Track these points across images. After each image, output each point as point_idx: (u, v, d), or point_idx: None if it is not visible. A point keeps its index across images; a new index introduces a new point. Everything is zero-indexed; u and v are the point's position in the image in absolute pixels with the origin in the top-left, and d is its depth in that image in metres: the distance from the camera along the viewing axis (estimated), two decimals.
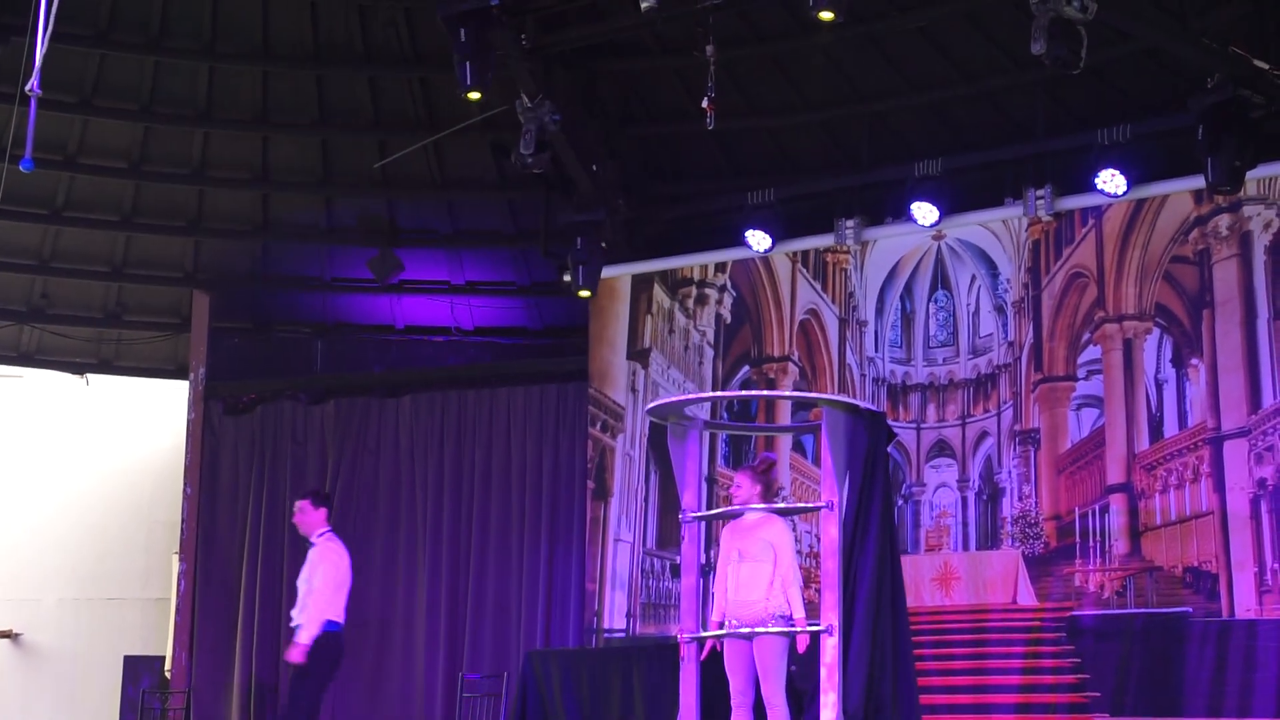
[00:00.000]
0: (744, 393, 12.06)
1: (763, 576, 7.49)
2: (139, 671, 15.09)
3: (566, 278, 12.29)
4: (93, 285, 14.44)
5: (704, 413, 8.25)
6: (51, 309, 14.55)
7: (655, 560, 12.03)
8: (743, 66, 11.95)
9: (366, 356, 14.47)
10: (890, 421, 8.77)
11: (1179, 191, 10.43)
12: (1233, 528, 9.86)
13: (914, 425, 11.33)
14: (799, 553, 7.82)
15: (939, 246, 11.45)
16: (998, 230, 11.20)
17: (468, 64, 10.31)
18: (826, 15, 9.26)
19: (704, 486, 7.97)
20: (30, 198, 13.31)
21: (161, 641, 14.98)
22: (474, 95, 10.45)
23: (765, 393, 11.96)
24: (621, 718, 9.85)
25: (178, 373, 14.82)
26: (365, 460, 13.75)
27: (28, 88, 5.96)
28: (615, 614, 12.06)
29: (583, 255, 11.95)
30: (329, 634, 8.72)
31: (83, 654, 15.70)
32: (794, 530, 8.13)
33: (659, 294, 12.46)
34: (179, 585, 14.02)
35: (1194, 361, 10.26)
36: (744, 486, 7.77)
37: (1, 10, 11.22)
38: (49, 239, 13.95)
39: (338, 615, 8.79)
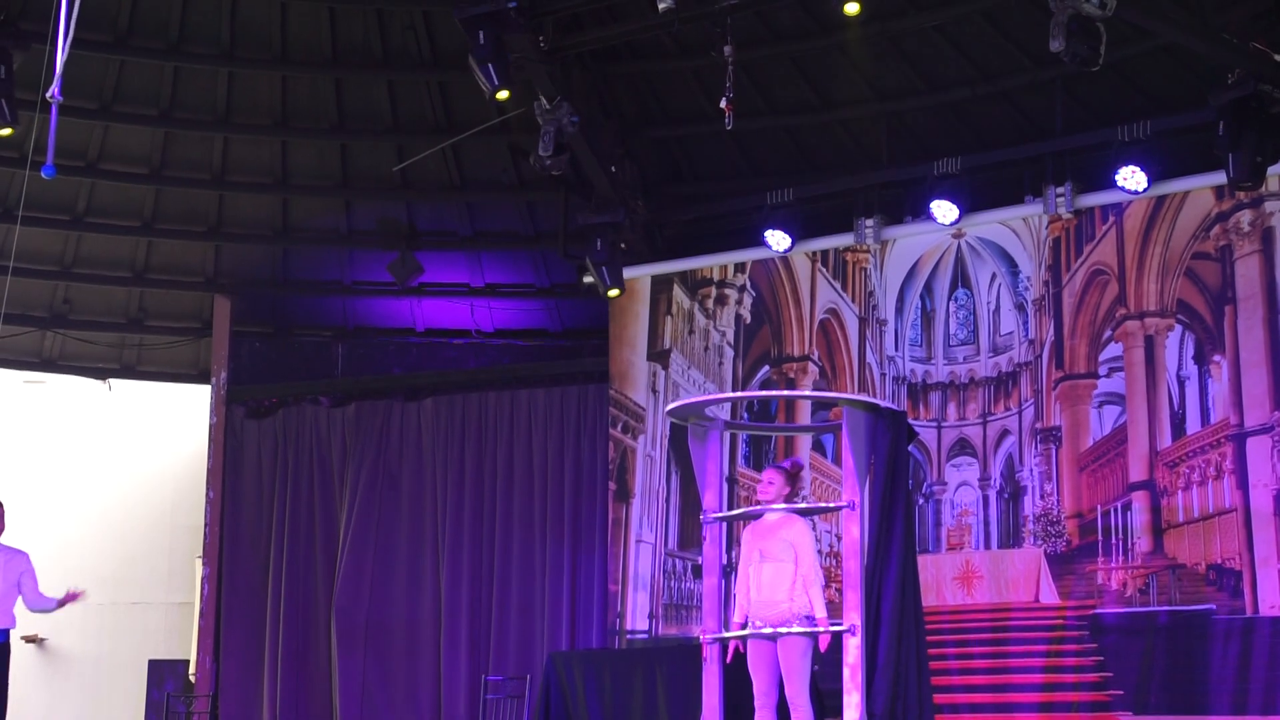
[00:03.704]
0: (764, 393, 12.05)
1: (785, 577, 7.49)
2: (163, 675, 15.15)
3: (587, 279, 12.31)
4: (114, 290, 14.50)
5: (724, 413, 8.26)
6: (74, 315, 14.62)
7: (677, 561, 12.04)
8: (761, 66, 11.95)
9: (387, 359, 14.51)
10: (911, 420, 8.76)
11: (1200, 188, 10.39)
12: (1256, 525, 9.82)
13: (935, 424, 11.31)
14: (819, 552, 7.80)
15: (959, 245, 11.43)
16: (1018, 228, 11.17)
17: (489, 65, 10.35)
18: (852, 9, 9.25)
19: (725, 487, 7.99)
20: (52, 204, 13.39)
21: (185, 645, 15.04)
22: (503, 94, 10.48)
23: (785, 393, 11.95)
24: (645, 719, 9.85)
25: (199, 377, 14.88)
26: (387, 463, 13.78)
27: (49, 94, 5.98)
28: (638, 615, 12.06)
29: (602, 256, 11.97)
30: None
31: (107, 658, 15.76)
32: (814, 530, 8.13)
33: (679, 295, 12.46)
34: (202, 589, 14.07)
35: (1216, 358, 10.22)
36: (775, 484, 7.76)
37: (21, 17, 11.27)
38: (70, 245, 14.01)
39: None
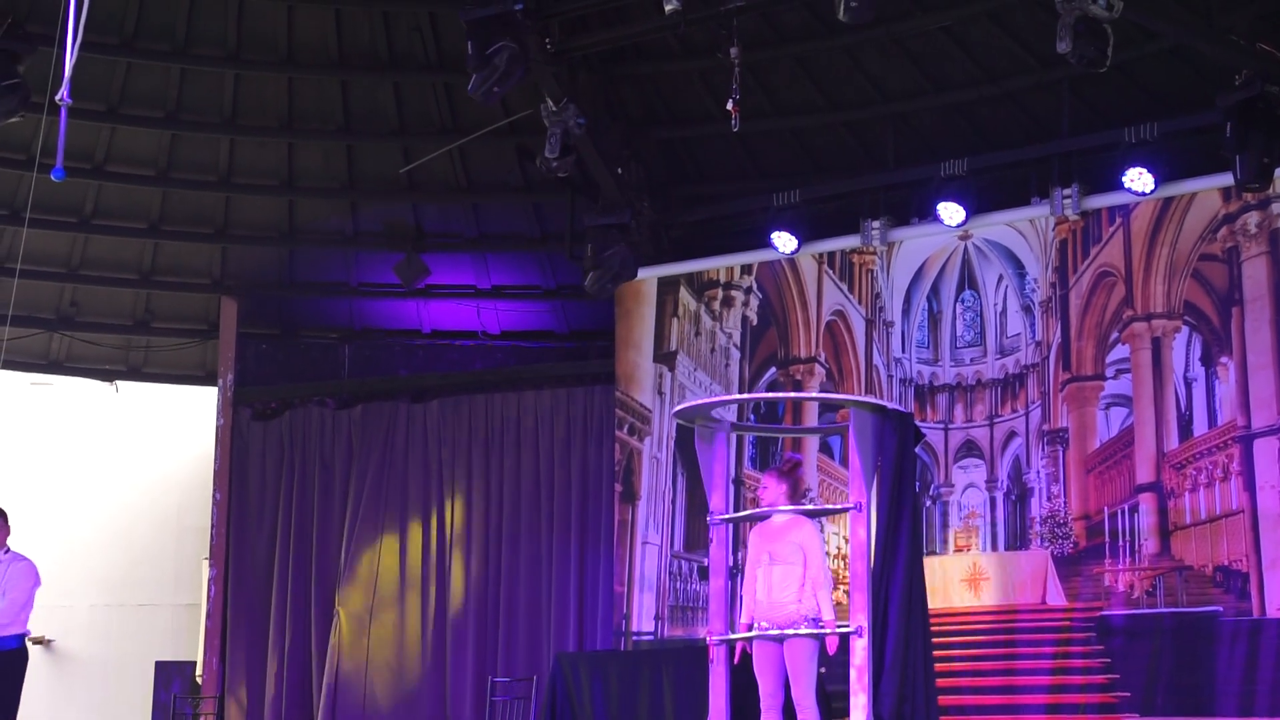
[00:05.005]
0: (771, 394, 12.05)
1: (793, 579, 7.49)
2: (170, 677, 15.16)
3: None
4: (121, 293, 14.52)
5: (731, 415, 8.27)
6: (81, 317, 14.63)
7: (683, 563, 12.04)
8: (766, 68, 11.95)
9: (393, 361, 14.51)
10: (918, 422, 8.76)
11: (1207, 189, 10.38)
12: (1263, 527, 9.81)
13: (941, 426, 11.31)
14: (826, 554, 7.81)
15: (966, 246, 11.43)
16: (1025, 230, 11.17)
17: (477, 73, 10.31)
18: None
19: (731, 489, 7.99)
20: (59, 206, 13.40)
21: (192, 647, 15.05)
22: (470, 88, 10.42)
23: (792, 394, 11.95)
24: None
25: (206, 379, 14.89)
26: (393, 464, 13.79)
27: (58, 97, 5.98)
28: (644, 616, 12.06)
29: (604, 259, 11.96)
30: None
31: (114, 660, 15.77)
32: (822, 532, 8.13)
33: (685, 296, 12.46)
34: (209, 590, 14.09)
35: (1223, 360, 10.22)
36: (770, 488, 7.77)
37: (29, 20, 11.28)
38: (78, 247, 14.03)
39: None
